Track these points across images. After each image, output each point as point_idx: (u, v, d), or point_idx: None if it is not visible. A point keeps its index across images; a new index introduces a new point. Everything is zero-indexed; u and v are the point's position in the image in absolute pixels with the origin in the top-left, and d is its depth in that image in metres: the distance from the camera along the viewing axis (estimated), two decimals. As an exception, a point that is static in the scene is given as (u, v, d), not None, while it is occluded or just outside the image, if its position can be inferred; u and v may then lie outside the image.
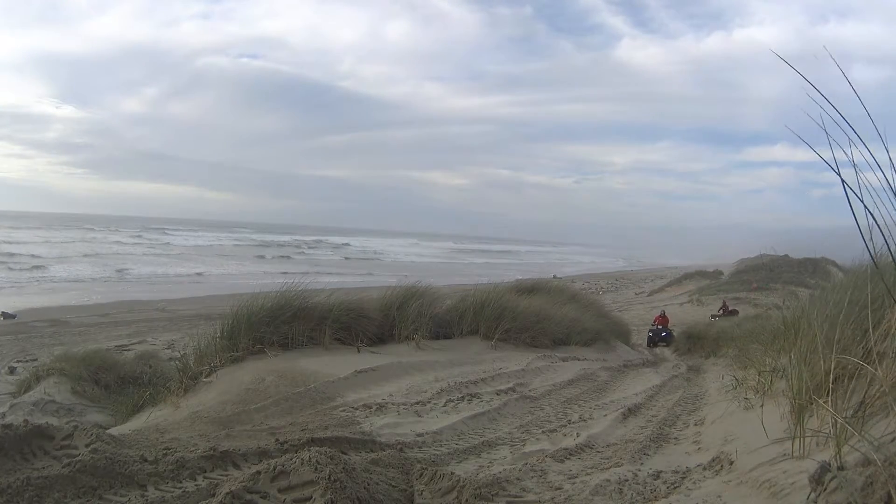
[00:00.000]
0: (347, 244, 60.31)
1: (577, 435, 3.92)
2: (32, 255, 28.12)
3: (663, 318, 18.09)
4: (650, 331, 17.54)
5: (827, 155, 2.05)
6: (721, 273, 29.29)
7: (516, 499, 2.62)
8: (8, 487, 2.21)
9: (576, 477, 2.97)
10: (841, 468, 1.58)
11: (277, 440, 3.20)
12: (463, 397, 4.85)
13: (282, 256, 40.01)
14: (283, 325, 6.18)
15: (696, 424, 4.39)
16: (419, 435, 3.87)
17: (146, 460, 2.61)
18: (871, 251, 2.12)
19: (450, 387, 5.21)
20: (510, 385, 5.52)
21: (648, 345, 16.78)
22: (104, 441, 2.64)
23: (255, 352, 5.80)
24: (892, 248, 2.00)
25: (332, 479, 2.13)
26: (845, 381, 2.41)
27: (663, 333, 17.16)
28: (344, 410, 4.35)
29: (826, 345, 2.67)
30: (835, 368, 2.51)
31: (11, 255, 27.30)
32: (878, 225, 2.01)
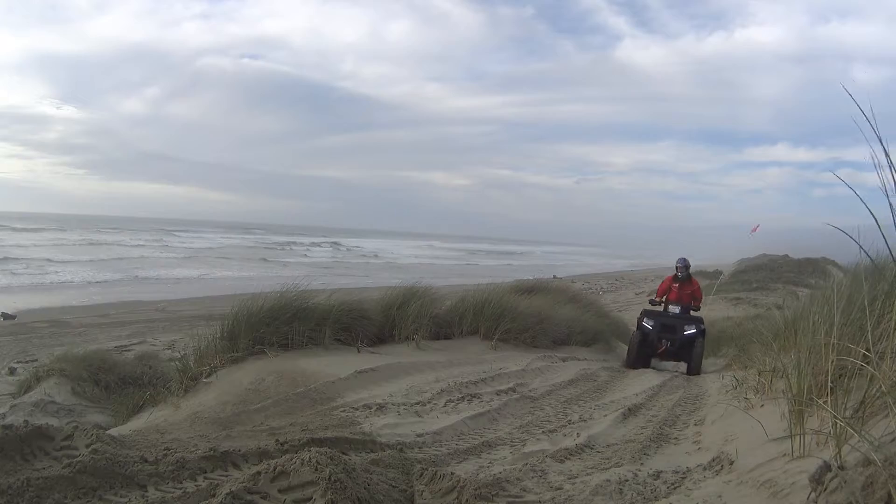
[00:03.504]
0: (348, 245, 60.31)
1: (578, 435, 3.92)
2: (32, 256, 28.11)
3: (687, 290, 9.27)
4: (649, 319, 8.98)
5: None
6: (721, 273, 29.26)
7: (517, 499, 2.62)
8: (8, 488, 2.21)
9: (576, 477, 2.97)
10: (841, 468, 1.58)
11: (277, 440, 3.20)
12: (463, 397, 4.85)
13: (286, 260, 39.94)
14: (283, 325, 6.18)
15: (696, 424, 4.39)
16: (419, 435, 3.87)
17: (146, 461, 2.61)
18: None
19: (450, 387, 5.21)
20: (510, 385, 5.52)
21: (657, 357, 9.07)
22: (104, 442, 2.64)
23: (255, 352, 5.80)
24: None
25: (333, 479, 2.13)
26: (845, 380, 2.42)
27: (690, 330, 8.71)
28: (344, 411, 4.35)
29: (826, 345, 2.67)
30: (835, 368, 2.51)
31: (10, 256, 27.29)
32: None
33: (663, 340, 8.86)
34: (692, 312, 9.28)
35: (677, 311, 9.18)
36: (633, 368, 8.28)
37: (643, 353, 8.84)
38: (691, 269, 9.70)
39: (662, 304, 9.43)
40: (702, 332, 8.94)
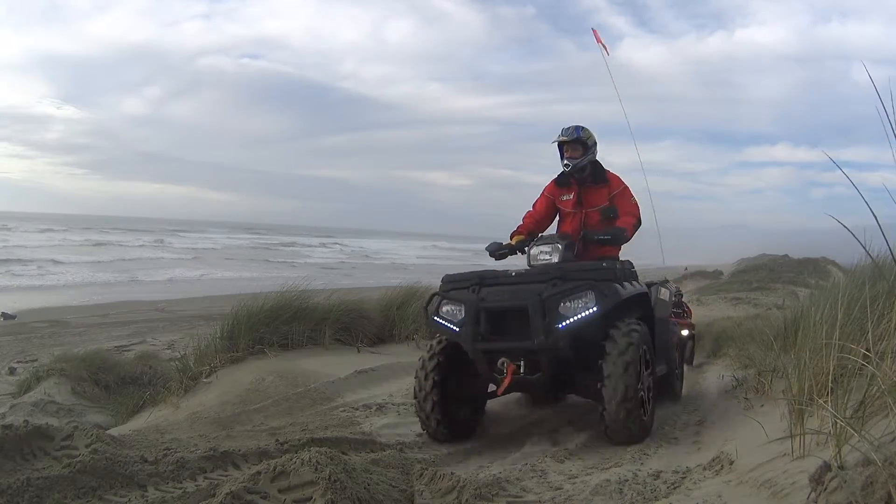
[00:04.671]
0: (352, 246, 60.21)
1: (577, 435, 3.92)
2: (34, 256, 28.13)
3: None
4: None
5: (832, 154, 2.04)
6: (721, 273, 29.26)
7: (516, 499, 2.62)
8: (8, 488, 2.21)
9: (576, 477, 2.97)
10: (841, 468, 1.58)
11: (277, 440, 3.21)
12: (463, 397, 4.85)
13: (288, 261, 39.82)
14: (282, 325, 6.19)
15: (696, 424, 4.39)
16: (419, 435, 3.87)
17: (146, 461, 2.61)
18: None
19: (450, 387, 5.20)
20: (510, 385, 5.51)
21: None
22: (104, 441, 2.64)
23: (255, 352, 5.80)
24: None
25: (333, 479, 2.13)
26: (845, 380, 2.41)
27: (582, 312, 3.30)
28: (344, 410, 4.36)
29: (826, 345, 2.67)
30: (835, 368, 2.51)
31: (13, 256, 27.31)
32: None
33: (501, 360, 3.48)
34: (612, 251, 4.07)
35: (554, 259, 3.82)
36: (439, 439, 3.70)
37: (454, 396, 3.75)
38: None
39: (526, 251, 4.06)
40: (640, 301, 3.91)
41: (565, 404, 5.18)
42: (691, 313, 11.63)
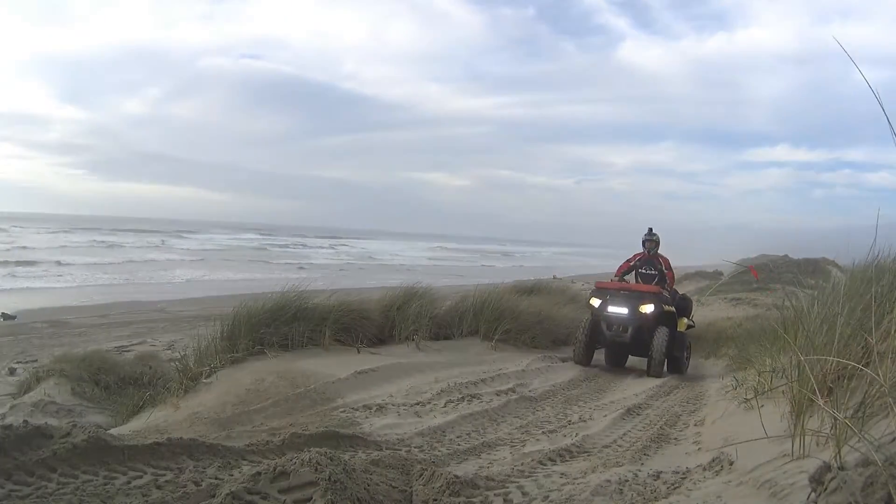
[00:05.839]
0: (355, 247, 60.09)
1: (577, 435, 3.92)
2: (36, 258, 28.13)
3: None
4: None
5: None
6: (721, 273, 29.22)
7: (516, 500, 2.61)
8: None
9: (576, 478, 2.97)
10: (841, 468, 1.58)
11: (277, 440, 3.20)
12: (463, 398, 4.85)
13: (291, 262, 39.67)
14: (283, 325, 6.19)
15: (696, 425, 4.39)
16: (419, 435, 3.87)
17: (146, 461, 2.61)
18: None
19: (450, 387, 5.21)
20: (510, 386, 5.52)
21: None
22: (104, 442, 2.63)
23: (255, 353, 5.80)
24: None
25: (333, 479, 2.13)
26: (845, 381, 2.41)
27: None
28: (344, 411, 4.35)
29: (826, 345, 2.67)
30: (835, 368, 2.50)
31: (13, 258, 27.31)
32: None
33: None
34: None
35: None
36: None
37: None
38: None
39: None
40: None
41: (565, 404, 5.18)
42: (673, 278, 7.93)
